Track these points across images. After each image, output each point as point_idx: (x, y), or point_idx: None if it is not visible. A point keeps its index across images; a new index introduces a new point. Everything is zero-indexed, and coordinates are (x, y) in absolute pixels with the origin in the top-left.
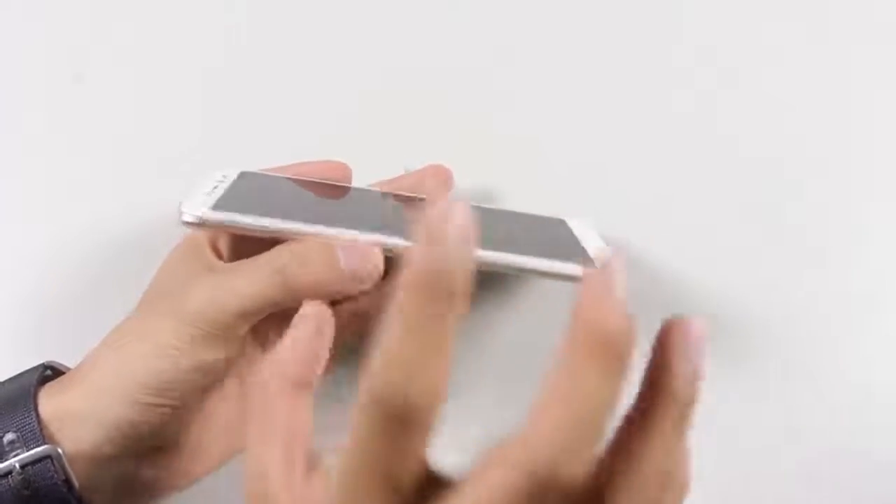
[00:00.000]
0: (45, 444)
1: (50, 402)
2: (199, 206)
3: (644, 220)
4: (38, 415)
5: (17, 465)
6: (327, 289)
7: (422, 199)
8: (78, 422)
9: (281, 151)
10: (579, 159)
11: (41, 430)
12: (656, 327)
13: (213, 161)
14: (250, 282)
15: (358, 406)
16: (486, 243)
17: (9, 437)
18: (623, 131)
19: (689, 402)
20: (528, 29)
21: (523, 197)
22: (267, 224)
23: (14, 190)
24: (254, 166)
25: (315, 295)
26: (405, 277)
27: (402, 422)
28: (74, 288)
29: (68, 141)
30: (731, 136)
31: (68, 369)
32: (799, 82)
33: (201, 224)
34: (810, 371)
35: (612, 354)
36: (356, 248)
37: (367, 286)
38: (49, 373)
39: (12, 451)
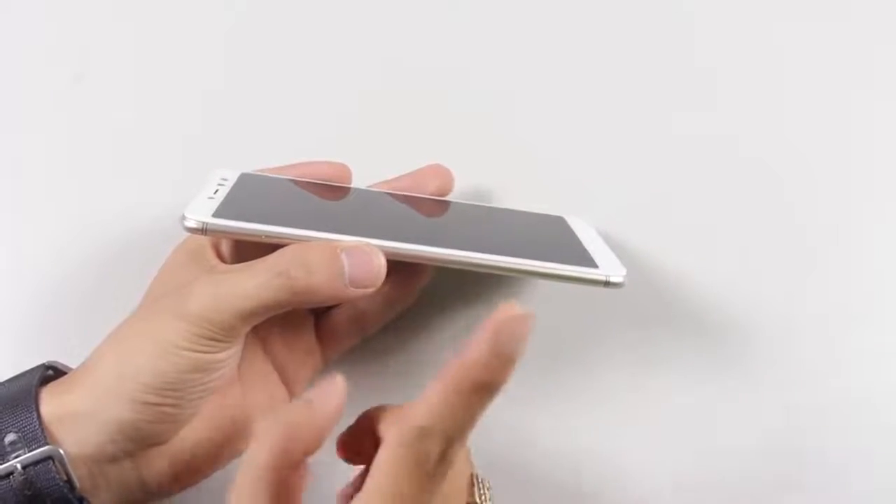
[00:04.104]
0: (47, 444)
1: (52, 403)
2: (202, 211)
3: (644, 219)
4: (39, 415)
5: (18, 466)
6: (331, 294)
7: (423, 199)
8: (80, 422)
9: (281, 151)
10: (579, 159)
11: (43, 430)
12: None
13: (213, 161)
14: (254, 284)
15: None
16: (490, 245)
17: (10, 437)
18: (623, 131)
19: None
20: (527, 29)
21: (523, 196)
22: (269, 230)
23: (14, 190)
24: (254, 166)
25: (318, 299)
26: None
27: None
28: (74, 288)
29: (68, 141)
30: (731, 136)
31: (69, 369)
32: (799, 82)
33: (204, 230)
34: (810, 371)
35: (490, 393)
36: (360, 253)
37: (370, 291)
38: (50, 373)
39: (13, 451)
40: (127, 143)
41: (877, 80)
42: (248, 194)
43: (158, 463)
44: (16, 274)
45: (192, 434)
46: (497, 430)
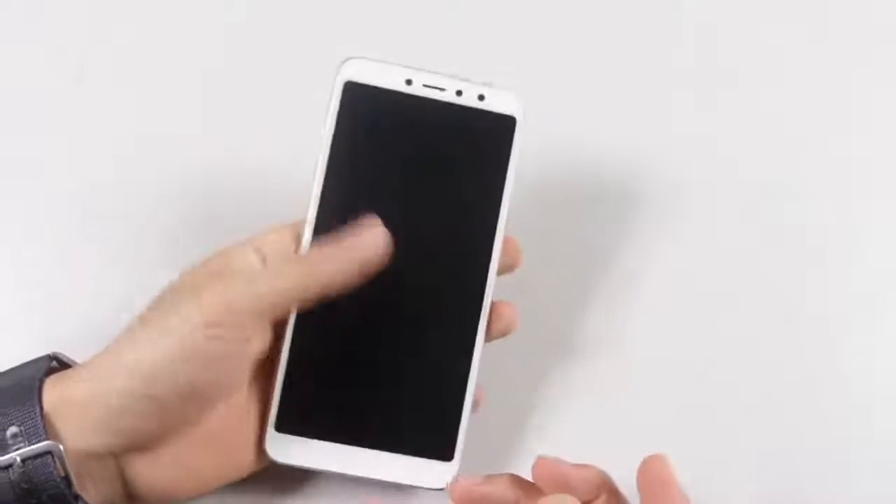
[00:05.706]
0: (46, 439)
1: (52, 394)
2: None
3: (643, 219)
4: (41, 409)
5: (18, 459)
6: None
7: None
8: (76, 414)
9: (282, 151)
10: (579, 159)
11: (44, 425)
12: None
13: (213, 161)
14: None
15: None
16: None
17: (13, 430)
18: (622, 131)
19: None
20: (528, 30)
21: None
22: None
23: (14, 190)
24: (254, 166)
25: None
26: None
27: None
28: (74, 288)
29: (68, 141)
30: (730, 136)
31: (74, 362)
32: (799, 82)
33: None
34: (810, 371)
35: None
36: None
37: None
38: (54, 363)
39: (15, 444)
40: (127, 144)
41: (877, 80)
42: None
43: (146, 468)
44: (16, 274)
45: (184, 448)
46: (495, 422)
